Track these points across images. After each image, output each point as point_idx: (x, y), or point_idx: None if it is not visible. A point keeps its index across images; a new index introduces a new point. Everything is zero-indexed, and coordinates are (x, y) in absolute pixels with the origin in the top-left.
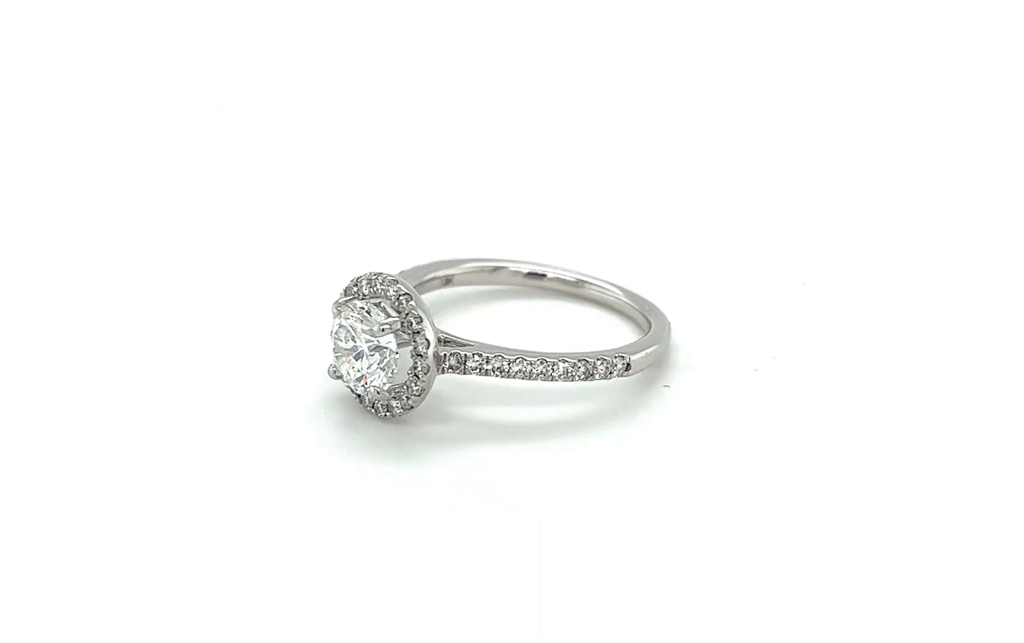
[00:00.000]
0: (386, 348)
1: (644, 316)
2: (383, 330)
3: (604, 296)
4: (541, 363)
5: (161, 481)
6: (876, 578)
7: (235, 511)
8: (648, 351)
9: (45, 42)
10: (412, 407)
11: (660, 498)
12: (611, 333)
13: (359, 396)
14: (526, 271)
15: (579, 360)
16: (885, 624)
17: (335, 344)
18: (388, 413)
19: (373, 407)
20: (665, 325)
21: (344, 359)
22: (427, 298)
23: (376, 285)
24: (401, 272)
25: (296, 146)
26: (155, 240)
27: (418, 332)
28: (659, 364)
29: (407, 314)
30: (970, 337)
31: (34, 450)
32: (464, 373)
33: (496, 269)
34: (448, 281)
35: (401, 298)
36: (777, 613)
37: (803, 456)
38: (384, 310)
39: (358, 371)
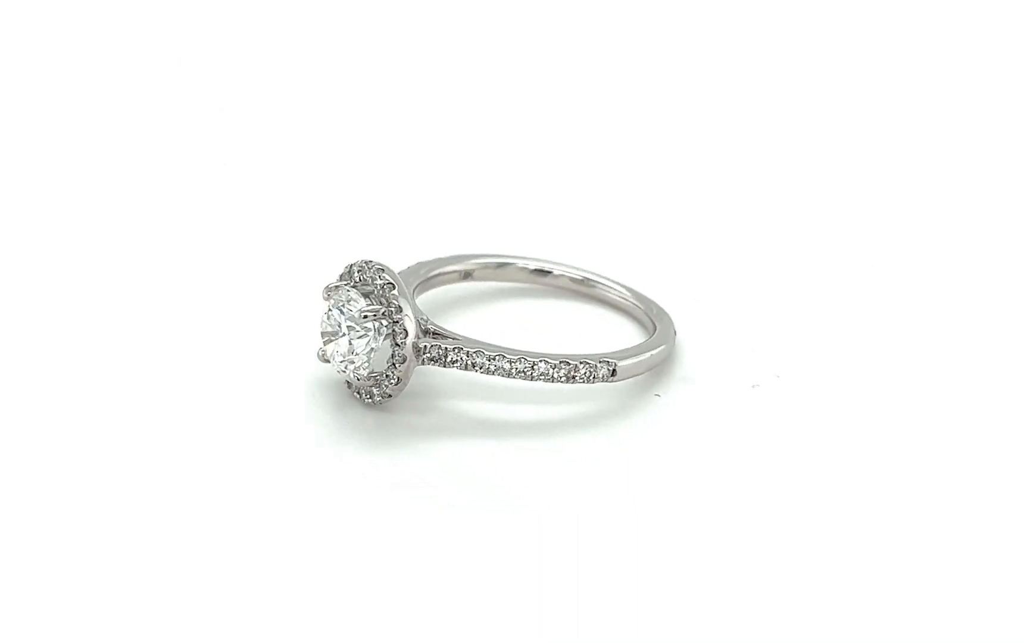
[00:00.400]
0: (367, 335)
1: (650, 319)
2: (365, 317)
3: (611, 296)
4: (521, 361)
5: (156, 478)
6: (871, 576)
7: (228, 509)
8: (639, 358)
9: (45, 42)
10: (390, 396)
11: (656, 501)
12: (614, 334)
13: (348, 382)
14: (533, 267)
15: (560, 361)
16: (881, 625)
17: (323, 328)
18: (371, 400)
19: (358, 393)
20: (669, 332)
21: (331, 343)
22: (441, 291)
23: (366, 273)
24: (419, 264)
25: (300, 146)
26: (157, 239)
27: (397, 322)
28: (659, 371)
29: (389, 303)
30: (987, 365)
31: (25, 432)
32: (445, 366)
33: (502, 265)
34: (467, 275)
35: (384, 287)
36: (772, 618)
37: (791, 488)
38: (368, 298)
39: (342, 356)
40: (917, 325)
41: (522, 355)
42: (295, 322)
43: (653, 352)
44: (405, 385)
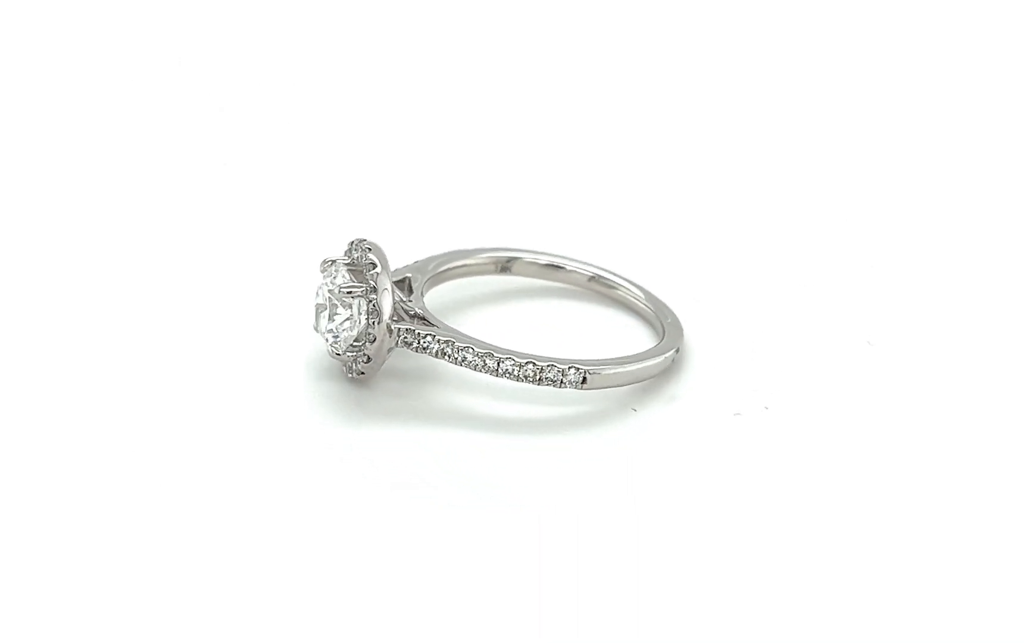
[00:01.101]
0: (346, 311)
1: (661, 324)
2: (347, 294)
3: (625, 296)
4: (489, 357)
5: (155, 477)
6: (871, 576)
7: (220, 502)
8: (617, 370)
9: (45, 42)
10: (363, 374)
11: (655, 504)
12: (619, 337)
13: (337, 353)
14: (544, 262)
15: (527, 361)
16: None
17: (317, 300)
18: (351, 374)
19: (343, 367)
20: (672, 346)
21: (320, 316)
22: (470, 281)
23: (359, 250)
24: (454, 252)
25: (306, 144)
26: (158, 240)
27: (372, 301)
28: (651, 384)
29: (367, 282)
30: (987, 405)
31: (18, 420)
32: (417, 351)
33: (511, 260)
34: (506, 268)
35: (367, 266)
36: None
37: (753, 543)
38: (354, 275)
39: (325, 329)
40: (922, 352)
41: (490, 350)
42: (304, 304)
43: (636, 366)
44: (378, 364)
